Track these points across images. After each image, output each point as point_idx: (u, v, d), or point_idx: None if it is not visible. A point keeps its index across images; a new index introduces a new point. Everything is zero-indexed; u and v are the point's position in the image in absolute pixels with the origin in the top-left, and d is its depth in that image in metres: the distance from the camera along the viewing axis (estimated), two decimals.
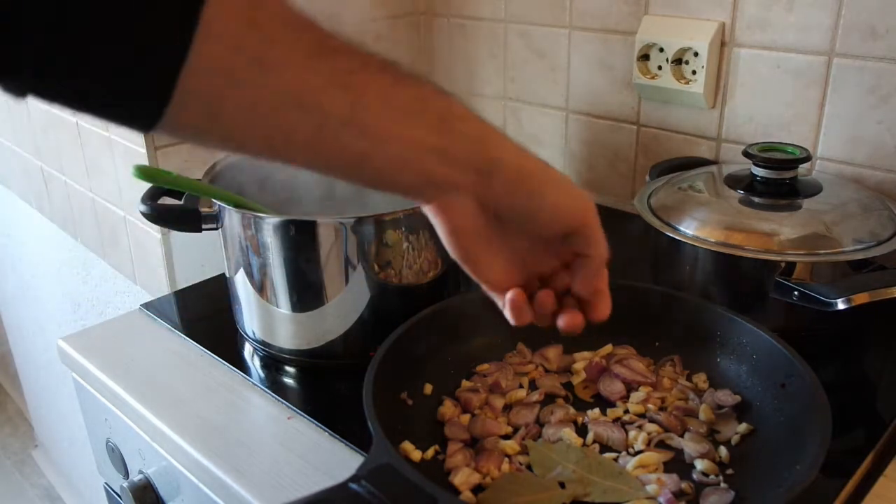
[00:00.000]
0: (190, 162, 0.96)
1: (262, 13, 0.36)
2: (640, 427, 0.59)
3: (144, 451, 0.73)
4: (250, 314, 0.73)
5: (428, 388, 0.64)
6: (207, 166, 0.77)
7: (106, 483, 0.88)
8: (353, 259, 0.66)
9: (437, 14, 1.19)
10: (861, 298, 0.61)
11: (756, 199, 0.74)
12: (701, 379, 0.64)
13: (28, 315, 1.77)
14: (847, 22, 0.80)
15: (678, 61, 0.92)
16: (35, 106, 1.19)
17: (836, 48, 0.81)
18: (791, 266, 0.67)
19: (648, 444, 0.58)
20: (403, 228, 0.66)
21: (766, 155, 0.75)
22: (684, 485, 0.54)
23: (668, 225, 0.74)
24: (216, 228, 0.72)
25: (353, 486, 0.47)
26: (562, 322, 0.48)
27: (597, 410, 0.62)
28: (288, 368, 0.73)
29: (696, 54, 0.90)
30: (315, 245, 0.66)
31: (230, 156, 0.80)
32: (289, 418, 0.66)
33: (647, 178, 0.88)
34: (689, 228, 0.72)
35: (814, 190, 0.75)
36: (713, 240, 0.70)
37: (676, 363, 0.66)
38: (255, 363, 0.75)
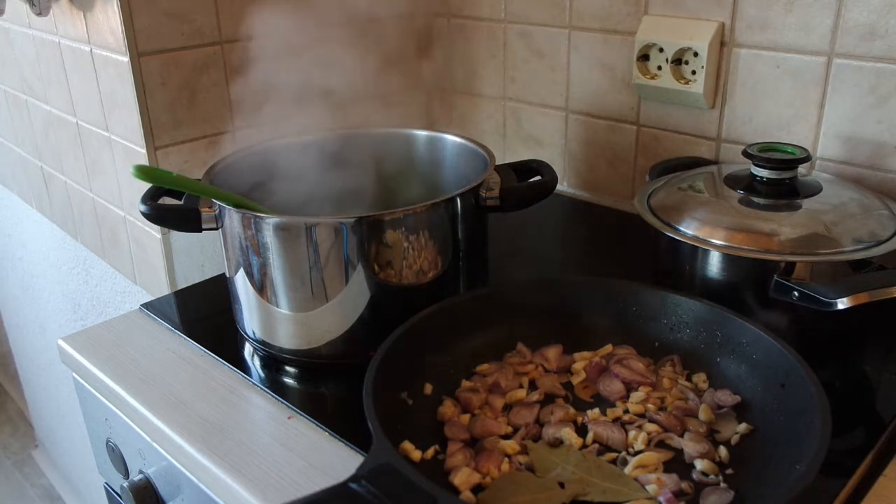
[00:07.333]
0: (190, 162, 0.96)
1: None
2: (639, 427, 0.59)
3: (144, 451, 0.73)
4: (250, 314, 0.73)
5: (428, 388, 0.63)
6: (207, 166, 0.77)
7: (106, 483, 0.88)
8: (353, 259, 0.66)
9: (437, 14, 1.19)
10: (861, 298, 0.61)
11: (756, 199, 0.74)
12: (701, 379, 0.64)
13: (28, 315, 1.77)
14: (847, 22, 0.80)
15: (678, 61, 0.92)
16: (35, 106, 1.19)
17: (836, 48, 0.81)
18: (791, 266, 0.67)
19: (648, 443, 0.58)
20: (403, 228, 0.66)
21: (766, 155, 0.75)
22: (684, 485, 0.54)
23: (668, 225, 0.74)
24: (216, 228, 0.72)
25: (353, 486, 0.47)
26: None
27: (596, 410, 0.62)
28: (288, 368, 0.73)
29: (695, 54, 0.90)
30: (315, 245, 0.66)
31: (230, 156, 0.80)
32: (289, 418, 0.67)
33: (647, 178, 0.88)
34: (689, 228, 0.72)
35: (813, 190, 0.75)
36: (713, 240, 0.70)
37: (676, 363, 0.66)
38: (255, 363, 0.75)
